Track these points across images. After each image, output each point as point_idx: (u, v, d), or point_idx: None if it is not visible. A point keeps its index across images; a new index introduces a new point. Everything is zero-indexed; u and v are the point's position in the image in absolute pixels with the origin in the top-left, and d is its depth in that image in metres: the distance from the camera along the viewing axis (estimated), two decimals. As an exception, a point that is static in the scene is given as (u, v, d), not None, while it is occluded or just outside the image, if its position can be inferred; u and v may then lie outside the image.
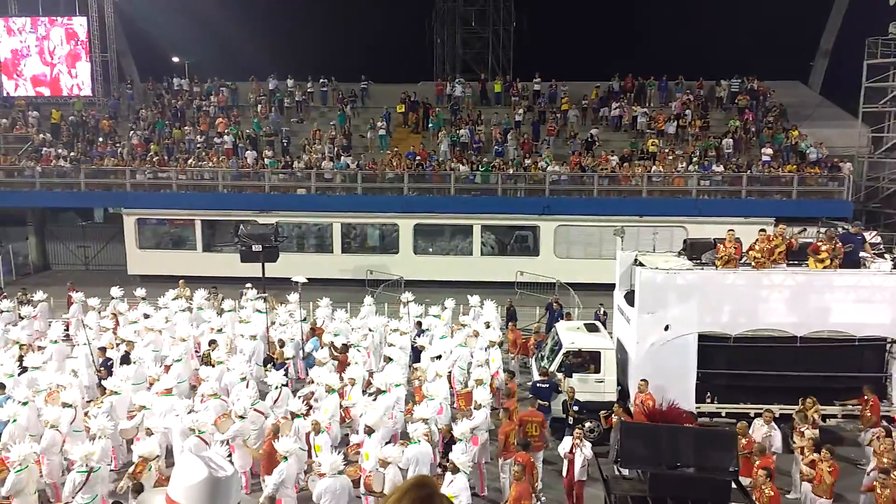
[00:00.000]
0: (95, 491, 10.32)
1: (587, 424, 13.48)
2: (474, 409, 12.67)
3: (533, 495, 10.46)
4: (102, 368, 15.36)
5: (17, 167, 30.39)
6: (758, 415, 12.87)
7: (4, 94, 35.05)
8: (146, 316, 18.50)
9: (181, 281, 22.25)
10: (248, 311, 18.95)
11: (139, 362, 15.38)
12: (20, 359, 15.54)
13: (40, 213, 32.10)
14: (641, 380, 13.68)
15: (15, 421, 12.11)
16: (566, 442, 11.89)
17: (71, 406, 12.50)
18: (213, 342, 16.44)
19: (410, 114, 32.92)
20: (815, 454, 11.06)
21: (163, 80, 36.58)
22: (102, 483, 10.71)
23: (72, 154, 30.88)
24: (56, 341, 16.74)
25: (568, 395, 13.82)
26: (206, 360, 15.83)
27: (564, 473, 11.97)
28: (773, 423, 12.24)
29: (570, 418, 13.31)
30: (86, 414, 12.96)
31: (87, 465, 10.20)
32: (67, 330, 19.24)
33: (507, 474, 12.63)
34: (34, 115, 33.46)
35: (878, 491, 10.08)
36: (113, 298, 20.06)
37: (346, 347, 16.38)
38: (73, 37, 34.55)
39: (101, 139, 32.25)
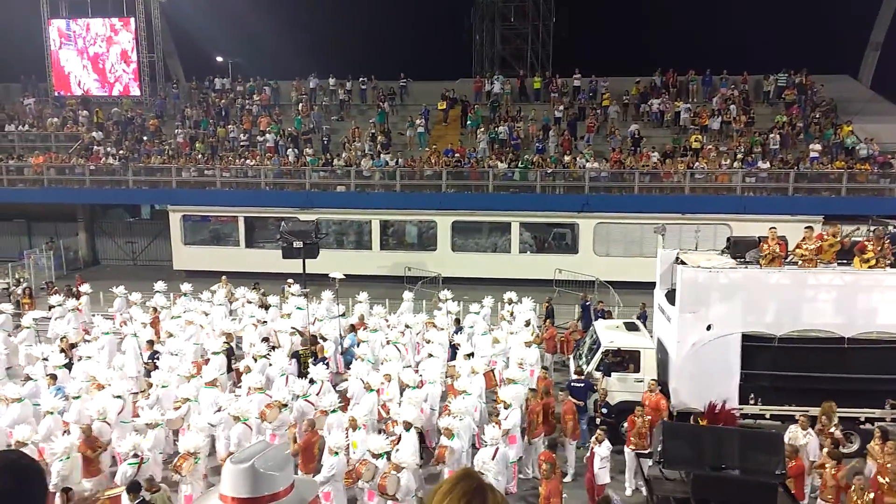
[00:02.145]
0: (144, 481, 10.60)
1: (626, 425, 13.36)
2: (503, 408, 12.68)
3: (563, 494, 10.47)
4: (150, 361, 15.80)
5: (69, 165, 31.37)
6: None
7: (56, 94, 36.21)
8: (190, 310, 18.99)
9: (224, 277, 22.73)
10: (289, 307, 19.28)
11: (181, 355, 15.75)
12: (62, 351, 16.09)
13: (90, 209, 33.10)
14: (651, 380, 13.55)
15: (56, 413, 12.46)
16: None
17: (120, 397, 12.88)
18: (266, 339, 16.78)
19: (451, 111, 32.95)
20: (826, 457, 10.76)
21: (207, 80, 37.34)
22: (151, 473, 11.01)
23: (120, 152, 31.76)
24: (108, 333, 17.24)
25: (600, 396, 13.71)
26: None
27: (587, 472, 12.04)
28: (810, 430, 11.94)
29: (598, 418, 13.25)
30: (134, 404, 13.37)
31: (136, 457, 10.48)
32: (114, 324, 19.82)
33: (534, 456, 12.90)
34: (84, 115, 34.49)
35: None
36: (157, 292, 20.61)
37: (314, 339, 16.71)
38: (122, 38, 35.52)
39: (145, 138, 33.11)
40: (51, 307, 20.22)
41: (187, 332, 17.47)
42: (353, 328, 18.18)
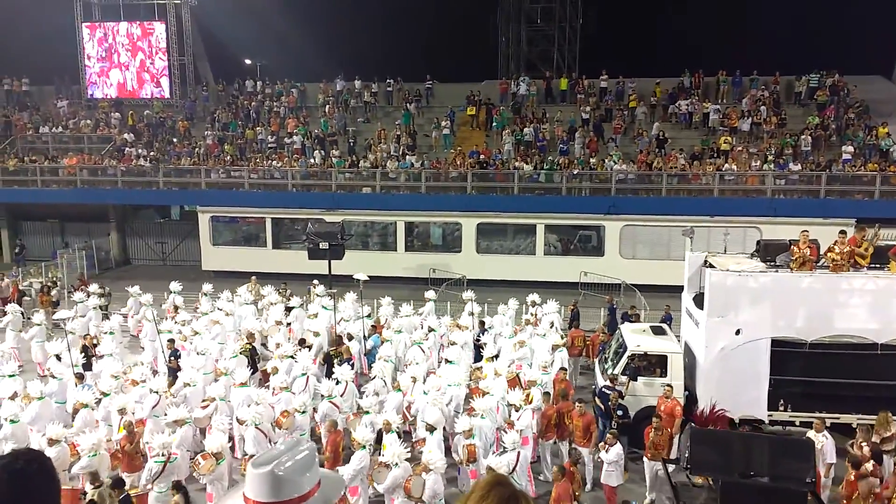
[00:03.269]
0: (170, 481, 10.76)
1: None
2: (514, 410, 12.61)
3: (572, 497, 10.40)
4: (173, 359, 16.03)
5: (101, 166, 31.96)
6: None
7: (89, 97, 36.92)
8: (219, 309, 19.24)
9: (253, 277, 22.97)
10: (314, 308, 19.41)
11: (207, 354, 15.92)
12: (84, 349, 16.38)
13: (121, 210, 33.68)
14: (667, 385, 13.35)
15: (90, 407, 12.69)
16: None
17: (156, 392, 13.10)
18: (303, 340, 16.91)
19: (479, 112, 32.83)
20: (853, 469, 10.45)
21: (236, 83, 37.81)
22: (178, 471, 11.17)
23: (151, 154, 32.29)
24: (111, 332, 17.49)
25: (612, 401, 13.55)
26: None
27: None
28: (825, 432, 11.73)
29: (615, 423, 13.15)
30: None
31: (164, 455, 10.64)
32: (126, 323, 20.16)
33: (548, 459, 12.98)
34: (116, 117, 35.13)
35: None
36: (172, 293, 20.97)
37: (339, 339, 16.92)
38: (153, 41, 36.13)
39: (175, 139, 33.61)
40: (74, 305, 20.62)
41: (213, 332, 17.69)
42: (374, 329, 18.24)
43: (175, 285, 21.22)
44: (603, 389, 14.09)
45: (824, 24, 38.44)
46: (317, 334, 17.44)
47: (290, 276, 24.82)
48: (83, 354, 16.03)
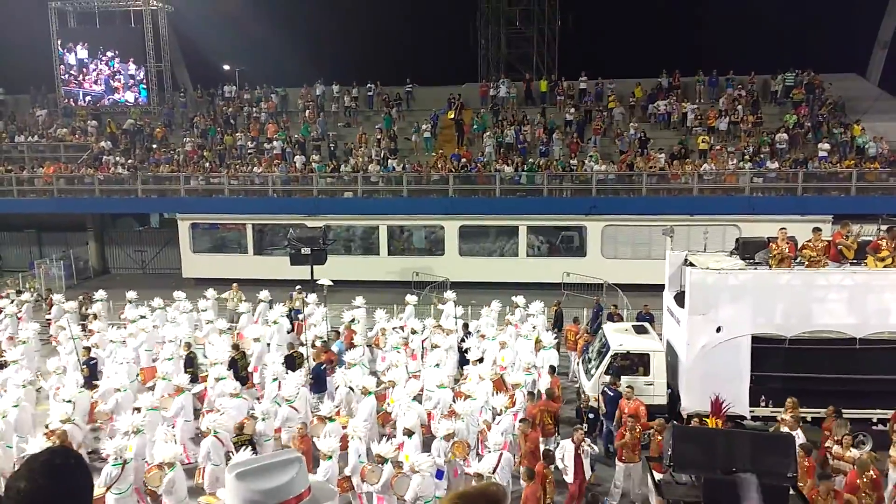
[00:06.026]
0: (129, 481, 10.66)
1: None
2: (494, 414, 12.58)
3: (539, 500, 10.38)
4: (85, 367, 15.76)
5: (78, 175, 31.56)
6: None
7: (65, 105, 36.45)
8: (142, 317, 18.88)
9: (234, 284, 22.78)
10: (276, 313, 19.12)
11: (128, 363, 15.76)
12: None
13: (100, 218, 33.28)
14: (627, 386, 13.43)
15: (4, 417, 12.47)
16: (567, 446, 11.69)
17: (70, 402, 12.89)
18: (236, 346, 16.73)
19: (454, 124, 32.59)
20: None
21: (215, 88, 37.52)
22: (134, 479, 11.07)
23: (129, 161, 31.94)
24: (26, 341, 17.21)
25: (583, 404, 13.51)
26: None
27: (570, 480, 11.60)
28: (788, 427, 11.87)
29: (585, 425, 13.14)
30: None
31: (120, 458, 10.53)
32: (48, 328, 19.96)
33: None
34: (93, 125, 34.72)
35: None
36: (98, 300, 20.88)
37: (325, 343, 16.82)
38: (129, 48, 35.75)
39: (154, 146, 33.28)
40: None
41: (138, 339, 17.48)
42: (337, 334, 18.02)
43: (101, 293, 21.02)
44: (604, 389, 14.10)
45: (800, 23, 38.90)
46: (257, 340, 17.19)
47: (272, 283, 24.60)
48: None
